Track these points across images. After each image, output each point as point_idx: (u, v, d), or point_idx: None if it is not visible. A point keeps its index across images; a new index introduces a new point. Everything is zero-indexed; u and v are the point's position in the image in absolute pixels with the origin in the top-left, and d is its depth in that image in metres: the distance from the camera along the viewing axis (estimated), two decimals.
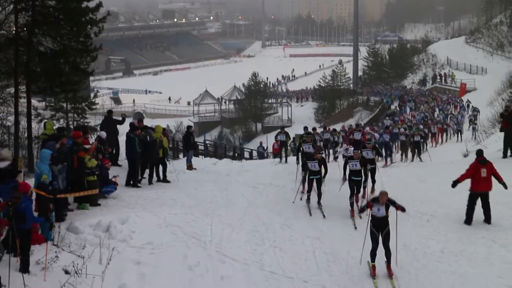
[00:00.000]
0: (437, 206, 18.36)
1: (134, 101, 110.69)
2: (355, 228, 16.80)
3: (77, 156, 17.38)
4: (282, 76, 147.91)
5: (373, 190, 19.59)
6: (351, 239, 15.89)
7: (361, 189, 19.01)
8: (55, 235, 14.28)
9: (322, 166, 18.65)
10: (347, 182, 18.89)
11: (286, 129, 32.33)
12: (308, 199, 18.81)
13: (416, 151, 31.67)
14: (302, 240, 15.97)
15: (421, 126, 37.84)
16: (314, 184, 18.77)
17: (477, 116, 50.82)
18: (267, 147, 48.34)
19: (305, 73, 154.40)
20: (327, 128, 32.59)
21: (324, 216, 17.91)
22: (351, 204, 18.01)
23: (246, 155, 46.40)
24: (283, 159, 28.23)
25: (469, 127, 46.60)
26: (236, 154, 45.84)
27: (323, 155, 21.39)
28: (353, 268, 14.36)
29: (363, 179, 18.93)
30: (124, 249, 14.47)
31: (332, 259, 14.86)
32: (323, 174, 18.72)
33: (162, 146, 22.51)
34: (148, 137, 21.90)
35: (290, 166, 25.46)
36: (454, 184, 17.11)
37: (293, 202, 19.20)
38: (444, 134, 45.30)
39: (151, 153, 21.79)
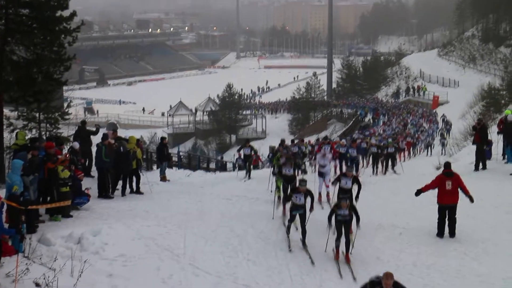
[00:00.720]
0: (410, 219, 18.44)
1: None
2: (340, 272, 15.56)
3: (47, 167, 17.21)
4: (258, 88, 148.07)
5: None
6: (326, 253, 15.88)
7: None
8: (26, 247, 14.10)
9: (308, 197, 16.57)
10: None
11: (257, 141, 32.41)
12: (288, 229, 17.09)
13: (390, 163, 31.34)
14: (275, 253, 15.93)
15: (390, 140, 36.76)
16: (298, 218, 16.76)
17: (450, 130, 51.04)
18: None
19: (279, 84, 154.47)
20: (294, 141, 31.19)
21: (312, 262, 15.48)
22: (337, 247, 15.71)
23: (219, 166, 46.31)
24: (247, 175, 26.87)
25: (439, 142, 45.93)
26: (219, 165, 46.00)
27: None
28: (327, 281, 14.36)
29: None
30: (96, 261, 14.32)
31: (306, 272, 14.84)
32: (309, 207, 16.55)
33: (136, 158, 22.38)
34: (121, 148, 21.77)
35: (264, 179, 25.49)
36: (418, 193, 17.23)
37: (273, 218, 18.75)
38: (412, 149, 44.26)
39: (124, 164, 21.66)
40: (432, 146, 45.94)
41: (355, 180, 18.27)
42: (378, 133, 47.47)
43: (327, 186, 20.98)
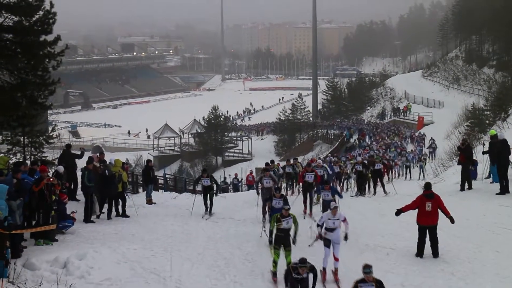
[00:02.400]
0: (397, 240, 18.43)
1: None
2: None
3: (37, 190, 17.08)
4: (245, 109, 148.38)
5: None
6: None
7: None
8: (11, 271, 13.96)
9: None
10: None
11: (244, 163, 32.04)
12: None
13: (378, 180, 29.85)
14: (263, 275, 15.86)
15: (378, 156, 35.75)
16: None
17: (433, 153, 50.51)
18: (241, 179, 48.32)
19: (262, 106, 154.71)
20: (289, 161, 31.11)
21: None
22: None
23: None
24: (207, 211, 23.45)
25: (418, 165, 44.36)
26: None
27: (285, 190, 21.74)
28: None
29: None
30: (82, 285, 14.21)
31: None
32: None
33: (121, 181, 22.28)
34: (106, 171, 21.68)
35: (251, 199, 25.50)
36: (398, 212, 17.26)
37: (261, 236, 18.67)
38: (391, 172, 40.55)
39: (109, 187, 21.56)
40: (411, 169, 43.92)
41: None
42: (358, 155, 46.88)
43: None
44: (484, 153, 25.95)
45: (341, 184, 32.19)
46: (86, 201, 20.96)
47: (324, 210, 19.15)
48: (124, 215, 22.27)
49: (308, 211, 22.90)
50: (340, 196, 21.67)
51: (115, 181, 21.85)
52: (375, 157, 32.89)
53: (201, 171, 24.99)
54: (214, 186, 23.88)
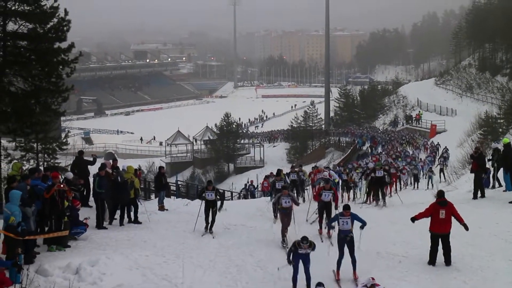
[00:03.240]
0: (409, 247, 18.38)
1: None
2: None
3: (48, 197, 17.16)
4: (258, 116, 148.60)
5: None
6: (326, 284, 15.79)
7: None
8: (24, 278, 14.03)
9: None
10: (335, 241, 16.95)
11: (256, 170, 31.98)
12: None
13: (379, 190, 27.57)
14: (274, 282, 15.86)
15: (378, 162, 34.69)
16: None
17: (444, 162, 49.03)
18: (257, 186, 48.23)
19: (273, 114, 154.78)
20: (293, 168, 30.63)
21: None
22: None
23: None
24: (207, 227, 21.16)
25: (426, 175, 42.32)
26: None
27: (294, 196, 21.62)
28: None
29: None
30: None
31: None
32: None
33: (133, 187, 22.32)
34: (119, 178, 21.74)
35: (261, 205, 25.54)
36: (412, 220, 17.24)
37: (278, 269, 16.33)
38: (398, 182, 38.24)
39: (121, 193, 21.60)
40: (419, 179, 42.71)
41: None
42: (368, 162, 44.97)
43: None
44: (488, 160, 25.87)
45: (348, 193, 31.22)
46: (97, 208, 21.01)
47: (340, 244, 16.48)
48: (136, 221, 22.30)
49: (324, 231, 20.37)
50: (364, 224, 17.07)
51: (127, 188, 21.90)
52: (376, 164, 30.92)
53: (206, 183, 22.11)
54: (218, 203, 21.29)
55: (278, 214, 20.79)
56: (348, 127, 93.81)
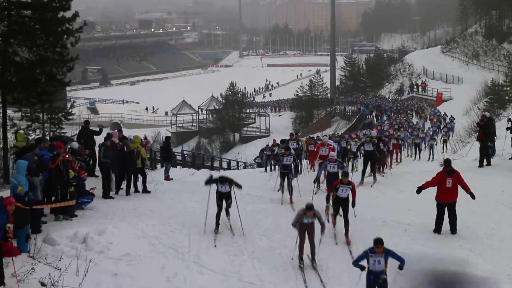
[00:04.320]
0: (415, 216, 18.42)
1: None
2: (336, 243, 16.66)
3: (53, 166, 17.19)
4: (264, 85, 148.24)
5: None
6: (331, 251, 15.86)
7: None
8: (31, 247, 14.14)
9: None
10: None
11: (261, 140, 31.78)
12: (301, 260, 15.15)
13: (369, 163, 24.96)
14: (280, 250, 15.93)
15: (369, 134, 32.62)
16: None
17: (448, 132, 48.39)
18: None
19: (278, 83, 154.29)
20: (292, 136, 28.99)
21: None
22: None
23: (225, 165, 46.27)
24: (218, 226, 17.72)
25: (427, 144, 41.67)
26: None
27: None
28: (331, 278, 14.35)
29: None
30: (101, 260, 14.34)
31: (310, 269, 14.82)
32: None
33: (140, 157, 22.33)
34: (125, 148, 21.76)
35: (268, 176, 25.61)
36: (419, 190, 17.23)
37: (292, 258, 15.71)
38: (400, 152, 37.80)
39: (128, 163, 21.64)
40: (421, 149, 41.62)
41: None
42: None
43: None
44: (508, 129, 25.76)
45: (348, 163, 29.73)
46: (103, 177, 21.07)
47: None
48: (145, 190, 22.35)
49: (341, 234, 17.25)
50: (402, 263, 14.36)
51: (134, 157, 21.93)
52: (367, 136, 29.39)
53: (218, 178, 18.34)
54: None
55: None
56: (358, 96, 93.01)
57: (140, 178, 22.52)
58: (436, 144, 41.12)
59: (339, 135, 35.71)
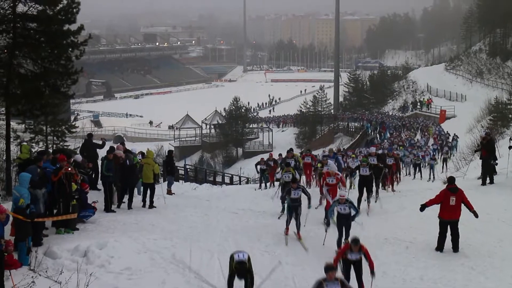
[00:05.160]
0: (417, 233, 18.37)
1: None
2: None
3: (56, 180, 17.19)
4: (268, 101, 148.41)
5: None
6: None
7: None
8: (32, 260, 14.12)
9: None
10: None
11: (264, 155, 31.16)
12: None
13: (364, 188, 22.47)
14: (282, 267, 15.87)
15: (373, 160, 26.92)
16: None
17: (449, 151, 47.27)
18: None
19: (279, 98, 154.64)
20: (290, 153, 26.86)
21: None
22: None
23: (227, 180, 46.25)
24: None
25: (427, 163, 39.94)
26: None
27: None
28: None
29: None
30: (102, 274, 14.31)
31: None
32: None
33: (153, 172, 22.26)
34: (127, 161, 21.77)
35: (271, 192, 25.51)
36: (422, 208, 17.18)
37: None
38: (398, 172, 34.15)
39: (130, 177, 21.65)
40: (421, 167, 40.10)
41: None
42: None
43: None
44: (510, 147, 25.73)
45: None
46: (105, 191, 21.07)
47: (339, 227, 16.99)
48: (151, 206, 22.30)
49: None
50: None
51: (136, 171, 21.95)
52: (362, 159, 25.50)
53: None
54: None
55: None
56: (363, 113, 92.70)
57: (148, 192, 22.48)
58: (436, 164, 40.27)
59: (338, 150, 34.16)
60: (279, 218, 20.46)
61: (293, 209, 18.20)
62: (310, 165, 28.20)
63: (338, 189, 19.98)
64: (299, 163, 26.65)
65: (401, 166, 36.55)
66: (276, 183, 26.27)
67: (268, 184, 29.28)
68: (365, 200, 21.93)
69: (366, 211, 21.48)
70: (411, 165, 40.51)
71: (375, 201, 23.39)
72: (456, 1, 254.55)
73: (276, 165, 28.50)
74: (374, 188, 23.34)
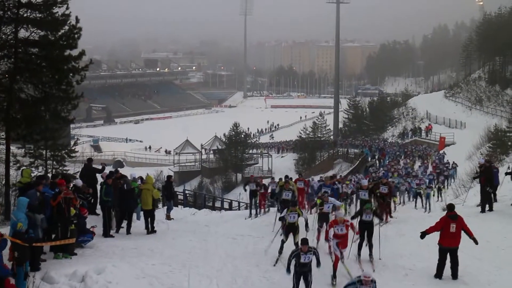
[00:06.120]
0: (416, 260, 18.32)
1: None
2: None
3: (55, 204, 17.18)
4: (268, 127, 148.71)
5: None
6: None
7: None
8: (30, 285, 14.06)
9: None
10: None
11: (264, 181, 30.73)
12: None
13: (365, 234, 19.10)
14: None
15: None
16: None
17: (445, 180, 46.14)
18: None
19: (278, 125, 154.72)
20: (288, 184, 24.86)
21: None
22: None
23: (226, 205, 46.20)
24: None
25: (423, 193, 37.23)
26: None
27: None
28: None
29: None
30: None
31: None
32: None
33: (152, 197, 22.29)
34: (125, 185, 21.78)
35: (269, 217, 25.45)
36: (423, 235, 17.13)
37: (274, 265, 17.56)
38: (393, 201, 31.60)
39: (128, 202, 21.63)
40: (421, 195, 37.96)
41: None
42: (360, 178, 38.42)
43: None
44: (507, 174, 25.76)
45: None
46: (104, 216, 21.05)
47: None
48: (152, 231, 22.28)
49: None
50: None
51: (134, 196, 21.95)
52: (365, 206, 21.51)
53: (302, 242, 15.09)
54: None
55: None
56: (366, 141, 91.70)
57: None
58: (433, 194, 38.02)
59: (331, 177, 33.05)
60: (274, 265, 17.92)
61: (301, 275, 14.91)
62: (303, 190, 27.79)
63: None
64: (294, 194, 24.41)
65: (397, 194, 34.90)
66: (272, 208, 26.18)
67: (258, 210, 27.98)
68: (366, 245, 19.04)
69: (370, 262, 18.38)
70: (406, 193, 39.37)
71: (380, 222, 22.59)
72: (455, 29, 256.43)
73: (266, 190, 28.45)
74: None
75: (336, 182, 29.21)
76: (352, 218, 19.50)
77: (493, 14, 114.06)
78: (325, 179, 27.57)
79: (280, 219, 19.28)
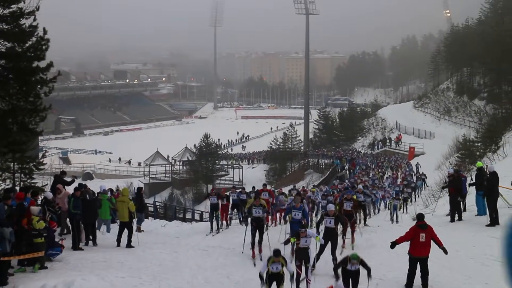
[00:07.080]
0: (386, 270, 18.36)
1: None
2: None
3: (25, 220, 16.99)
4: (239, 138, 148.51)
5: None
6: None
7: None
8: None
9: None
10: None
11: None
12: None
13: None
14: None
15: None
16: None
17: (410, 193, 44.68)
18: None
19: (248, 136, 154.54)
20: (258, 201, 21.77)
21: None
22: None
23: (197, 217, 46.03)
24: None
25: (390, 204, 36.66)
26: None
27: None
28: None
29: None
30: None
31: None
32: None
33: (128, 210, 22.06)
34: (87, 196, 21.60)
35: (240, 229, 25.38)
36: (393, 245, 17.16)
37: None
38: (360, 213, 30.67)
39: (90, 212, 21.42)
40: (379, 209, 39.51)
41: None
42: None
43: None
44: (470, 185, 26.03)
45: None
46: (73, 228, 20.85)
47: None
48: (129, 245, 22.00)
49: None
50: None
51: (96, 206, 21.81)
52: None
53: (273, 255, 14.73)
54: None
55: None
56: (339, 152, 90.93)
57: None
58: (399, 205, 36.54)
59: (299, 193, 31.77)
60: None
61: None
62: (268, 202, 25.34)
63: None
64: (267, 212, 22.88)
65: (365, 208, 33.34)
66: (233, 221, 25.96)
67: (220, 224, 27.27)
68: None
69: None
70: (371, 205, 38.72)
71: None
72: (424, 40, 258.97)
73: (229, 201, 28.26)
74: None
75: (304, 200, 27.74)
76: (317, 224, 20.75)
77: (460, 25, 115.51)
78: (295, 200, 24.58)
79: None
